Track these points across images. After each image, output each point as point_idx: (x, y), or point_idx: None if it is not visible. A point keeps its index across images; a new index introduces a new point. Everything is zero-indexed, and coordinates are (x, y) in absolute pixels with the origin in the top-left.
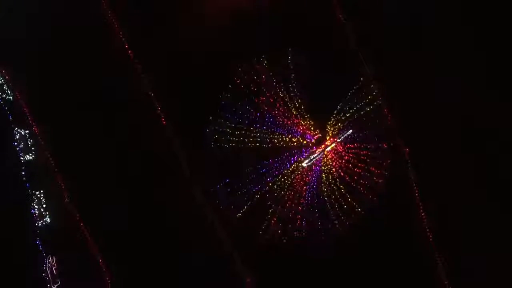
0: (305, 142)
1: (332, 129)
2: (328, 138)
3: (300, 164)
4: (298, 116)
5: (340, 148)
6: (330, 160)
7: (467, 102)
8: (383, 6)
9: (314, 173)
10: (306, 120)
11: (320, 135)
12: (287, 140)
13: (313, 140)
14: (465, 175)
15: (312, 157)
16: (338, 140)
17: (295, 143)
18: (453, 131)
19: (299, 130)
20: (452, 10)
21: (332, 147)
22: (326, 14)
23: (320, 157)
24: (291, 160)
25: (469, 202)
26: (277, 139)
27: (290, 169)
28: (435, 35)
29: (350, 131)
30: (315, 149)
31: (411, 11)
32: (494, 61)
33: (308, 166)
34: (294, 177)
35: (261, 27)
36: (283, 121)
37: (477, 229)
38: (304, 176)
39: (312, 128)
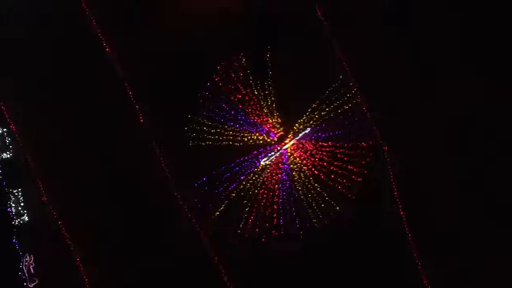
0: (269, 140)
1: (298, 127)
2: (289, 136)
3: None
4: (268, 114)
5: (310, 147)
6: (298, 159)
7: (448, 102)
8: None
9: (284, 171)
10: (274, 118)
11: (282, 133)
12: (255, 138)
13: (275, 138)
14: (445, 174)
15: (270, 155)
16: (296, 138)
17: (261, 141)
18: (433, 131)
19: (265, 127)
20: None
21: (290, 145)
22: (306, 13)
23: (279, 155)
24: (259, 158)
25: (448, 201)
26: (247, 137)
27: (260, 167)
28: (414, 35)
29: (308, 129)
30: (275, 147)
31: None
32: (474, 62)
33: (273, 163)
34: (265, 175)
35: (240, 26)
36: (253, 119)
37: (455, 228)
38: (274, 174)
39: (278, 126)
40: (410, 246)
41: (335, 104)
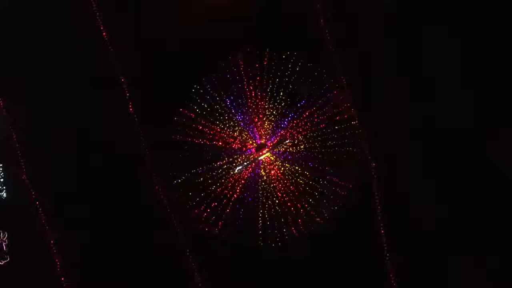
0: (250, 147)
1: (280, 137)
2: (267, 146)
3: (233, 170)
4: (254, 119)
5: (291, 157)
6: (279, 166)
7: (443, 120)
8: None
9: (263, 177)
10: (265, 124)
11: (262, 141)
12: (237, 142)
13: (255, 145)
14: (432, 197)
15: (245, 163)
16: (272, 150)
17: (243, 148)
18: (426, 149)
19: (248, 134)
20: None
21: (266, 155)
22: (308, 16)
23: (254, 163)
24: (234, 165)
25: (434, 222)
26: (231, 137)
27: (237, 172)
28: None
29: (288, 141)
30: (252, 156)
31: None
32: (470, 79)
33: (247, 171)
34: (244, 179)
35: (241, 24)
36: (242, 122)
37: (439, 249)
38: (253, 179)
39: (260, 132)
40: (386, 265)
41: (326, 115)
